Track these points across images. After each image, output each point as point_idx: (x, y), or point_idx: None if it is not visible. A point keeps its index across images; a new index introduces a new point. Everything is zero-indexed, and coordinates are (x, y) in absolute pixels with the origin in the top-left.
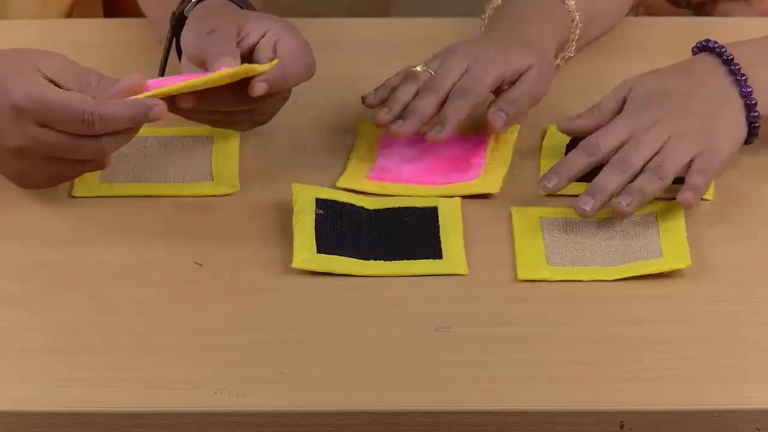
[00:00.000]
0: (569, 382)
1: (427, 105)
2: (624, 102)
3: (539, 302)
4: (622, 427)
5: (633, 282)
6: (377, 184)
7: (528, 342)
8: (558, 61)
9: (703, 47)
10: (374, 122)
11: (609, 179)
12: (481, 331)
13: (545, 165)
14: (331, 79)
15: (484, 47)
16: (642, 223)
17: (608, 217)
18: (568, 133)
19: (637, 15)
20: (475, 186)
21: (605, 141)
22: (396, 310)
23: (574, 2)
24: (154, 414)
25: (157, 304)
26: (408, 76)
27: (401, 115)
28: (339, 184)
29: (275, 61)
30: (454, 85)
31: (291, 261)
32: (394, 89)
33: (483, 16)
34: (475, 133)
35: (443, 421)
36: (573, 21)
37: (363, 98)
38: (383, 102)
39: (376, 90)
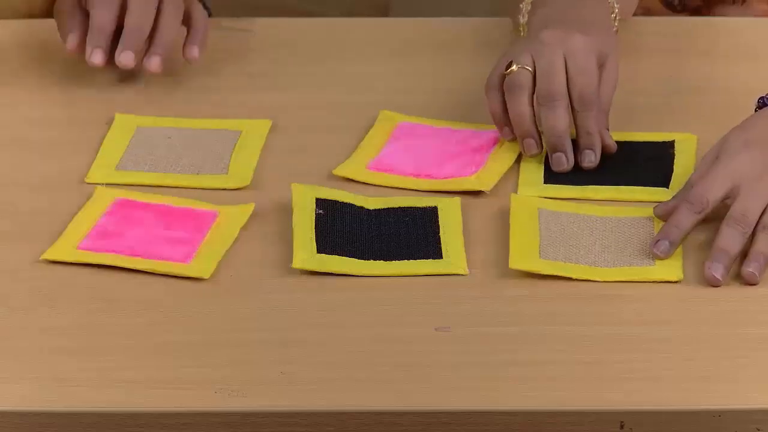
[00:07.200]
0: (569, 382)
1: (560, 121)
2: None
3: (539, 302)
4: (622, 427)
5: (633, 282)
6: (375, 175)
7: (528, 342)
8: None
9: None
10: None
11: (731, 241)
12: (481, 331)
13: (525, 166)
14: (331, 78)
15: (566, 33)
16: (639, 226)
17: (605, 216)
18: (665, 218)
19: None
20: (469, 182)
21: (711, 194)
22: (396, 310)
23: None
24: (154, 414)
25: (157, 304)
26: (511, 86)
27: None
28: (336, 172)
29: None
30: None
31: (291, 261)
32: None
33: (521, 15)
34: (486, 130)
35: (443, 421)
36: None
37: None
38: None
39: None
